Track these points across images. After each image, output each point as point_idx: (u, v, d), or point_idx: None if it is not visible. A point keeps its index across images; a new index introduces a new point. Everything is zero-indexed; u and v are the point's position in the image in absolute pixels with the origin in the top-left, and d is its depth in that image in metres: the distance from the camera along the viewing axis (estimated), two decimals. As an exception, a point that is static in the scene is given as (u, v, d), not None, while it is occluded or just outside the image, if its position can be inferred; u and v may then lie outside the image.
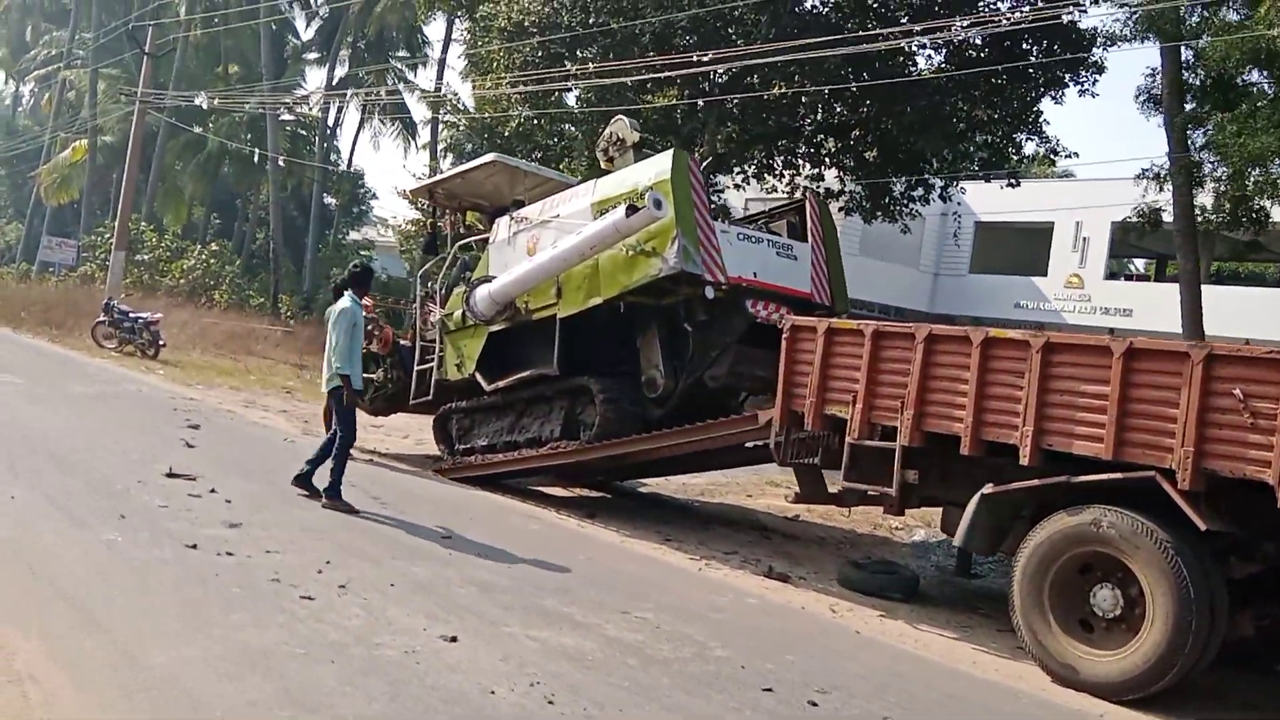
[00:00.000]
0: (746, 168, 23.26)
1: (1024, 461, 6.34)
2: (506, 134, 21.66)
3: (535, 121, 21.40)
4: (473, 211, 12.57)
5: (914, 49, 21.90)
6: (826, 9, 20.86)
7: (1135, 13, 16.82)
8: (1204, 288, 33.03)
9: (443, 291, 11.43)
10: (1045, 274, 33.32)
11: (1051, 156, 22.77)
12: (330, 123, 42.87)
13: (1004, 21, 20.29)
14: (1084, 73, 20.66)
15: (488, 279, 10.27)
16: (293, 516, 7.92)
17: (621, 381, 9.66)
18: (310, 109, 39.93)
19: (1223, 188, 16.18)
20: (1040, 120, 21.90)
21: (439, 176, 12.64)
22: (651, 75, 20.41)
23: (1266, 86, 15.77)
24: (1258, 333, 21.17)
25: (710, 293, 8.89)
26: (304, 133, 43.06)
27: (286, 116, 38.96)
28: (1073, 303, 32.60)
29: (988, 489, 6.53)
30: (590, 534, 9.10)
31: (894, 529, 10.74)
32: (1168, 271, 40.44)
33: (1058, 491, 6.26)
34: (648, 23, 19.62)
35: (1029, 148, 23.08)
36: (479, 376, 10.61)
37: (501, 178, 11.52)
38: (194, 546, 6.54)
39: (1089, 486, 6.10)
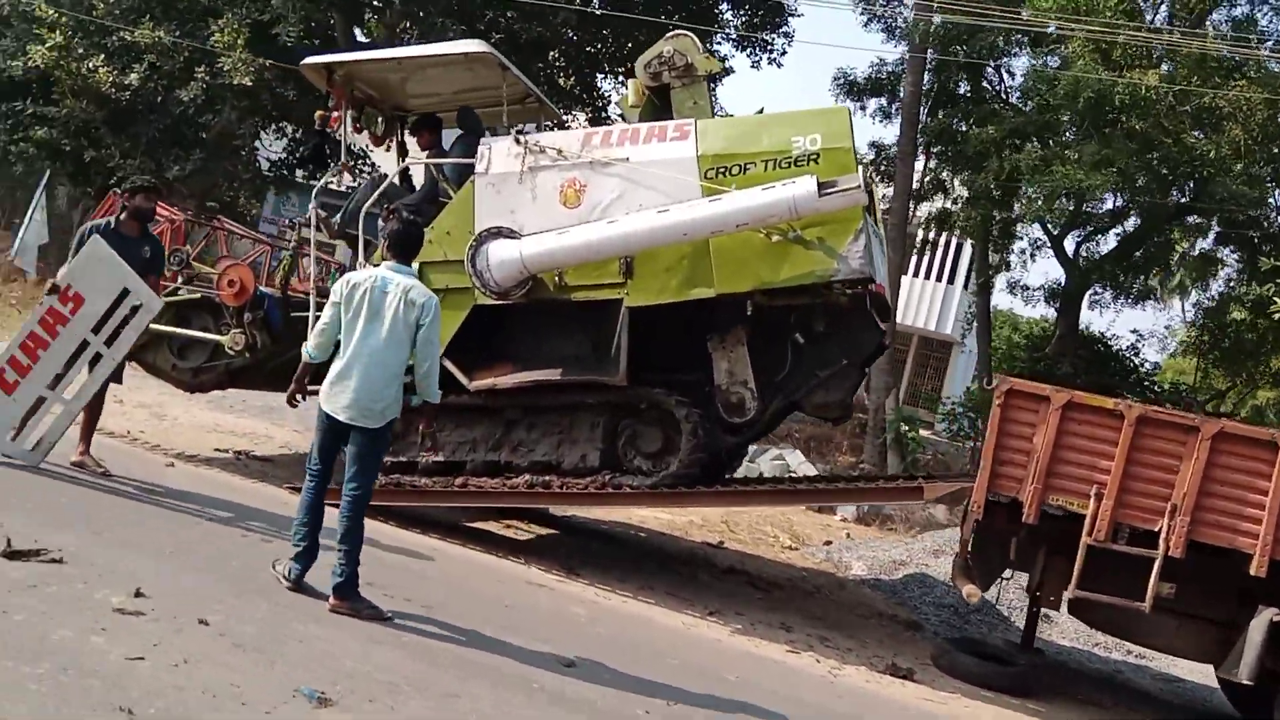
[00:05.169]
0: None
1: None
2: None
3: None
4: (369, 109, 8.77)
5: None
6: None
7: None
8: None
9: (349, 224, 7.82)
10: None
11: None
12: None
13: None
14: (774, 40, 20.81)
15: (502, 232, 7.08)
16: (338, 646, 4.82)
17: (700, 400, 7.27)
18: None
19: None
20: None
21: (376, 54, 8.40)
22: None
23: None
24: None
25: (869, 302, 7.08)
26: None
27: None
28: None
29: (1276, 615, 5.79)
30: (641, 614, 6.91)
31: (839, 567, 9.79)
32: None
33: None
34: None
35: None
36: (451, 367, 7.18)
37: (463, 73, 8.02)
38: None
39: None
